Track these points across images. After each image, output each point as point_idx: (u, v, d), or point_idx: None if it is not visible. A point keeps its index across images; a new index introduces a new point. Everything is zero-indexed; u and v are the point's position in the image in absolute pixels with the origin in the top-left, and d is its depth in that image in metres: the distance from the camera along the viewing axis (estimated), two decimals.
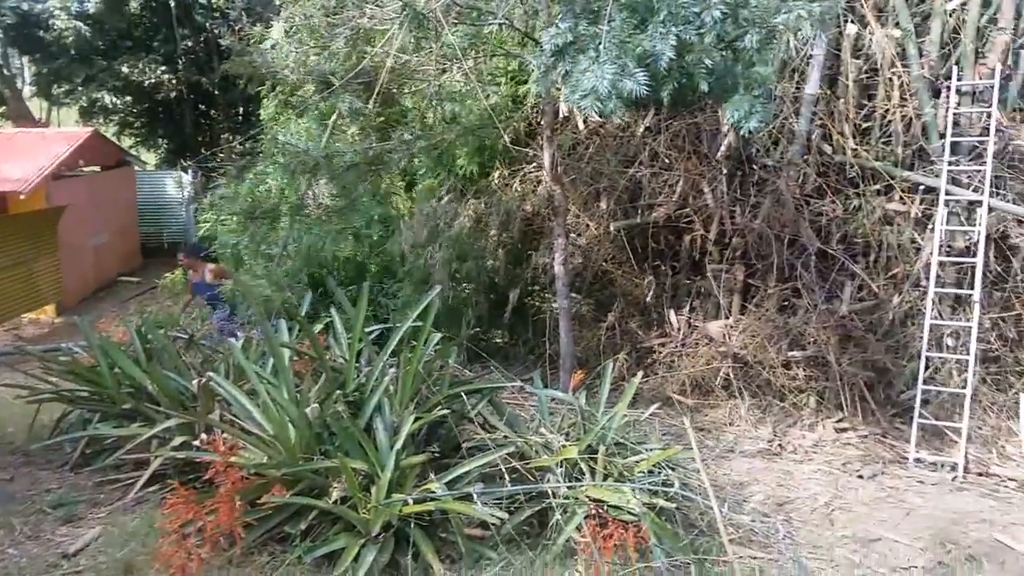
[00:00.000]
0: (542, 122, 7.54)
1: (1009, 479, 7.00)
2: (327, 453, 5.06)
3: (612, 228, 9.18)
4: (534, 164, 9.41)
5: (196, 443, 5.33)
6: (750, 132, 4.61)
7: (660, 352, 9.34)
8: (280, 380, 5.61)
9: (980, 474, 7.13)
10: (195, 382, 6.09)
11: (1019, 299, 8.33)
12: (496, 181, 9.40)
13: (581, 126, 9.69)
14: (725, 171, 8.64)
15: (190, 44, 22.33)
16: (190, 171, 19.80)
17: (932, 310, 7.93)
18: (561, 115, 9.68)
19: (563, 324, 8.16)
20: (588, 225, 9.34)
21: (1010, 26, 7.94)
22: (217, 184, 10.06)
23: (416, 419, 5.17)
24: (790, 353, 8.44)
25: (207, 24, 21.00)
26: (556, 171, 7.66)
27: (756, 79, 4.57)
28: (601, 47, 4.20)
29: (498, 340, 10.40)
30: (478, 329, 9.57)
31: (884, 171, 8.25)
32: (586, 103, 4.20)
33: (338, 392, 5.42)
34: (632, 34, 4.32)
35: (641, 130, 9.33)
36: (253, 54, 8.53)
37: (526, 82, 9.40)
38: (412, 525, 4.62)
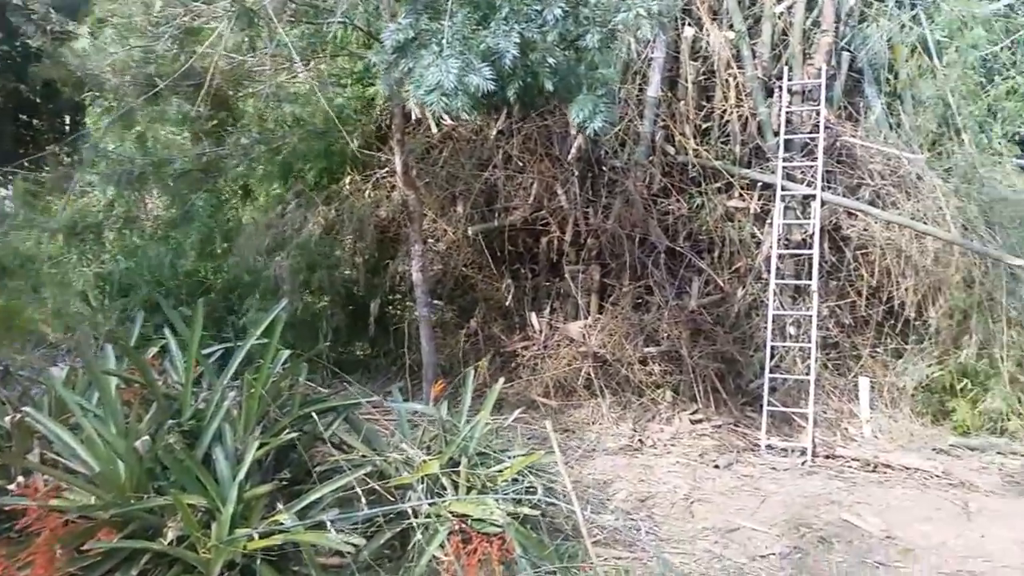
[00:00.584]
0: (392, 125, 7.28)
1: (852, 459, 7.41)
2: (160, 489, 4.58)
3: (470, 232, 9.04)
4: (387, 169, 9.13)
5: (11, 488, 4.70)
6: (596, 133, 4.58)
7: (523, 356, 9.28)
8: (106, 412, 5.05)
9: (827, 456, 7.51)
10: (8, 419, 5.39)
11: (853, 287, 8.90)
12: (347, 187, 9.03)
13: (434, 129, 9.50)
14: (576, 173, 8.71)
15: (6, 49, 20.30)
16: (9, 186, 17.97)
17: (774, 301, 8.31)
18: (413, 118, 9.47)
19: (424, 333, 7.94)
20: (446, 230, 9.17)
21: (832, 28, 8.47)
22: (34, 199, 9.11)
23: (261, 445, 4.78)
24: (646, 349, 8.61)
25: (22, 28, 19.14)
26: (409, 175, 7.43)
27: (599, 79, 4.54)
28: (444, 42, 4.02)
29: (360, 353, 10.04)
30: (335, 343, 9.17)
31: (723, 169, 8.59)
32: (431, 99, 4.01)
33: (172, 422, 4.94)
34: (475, 30, 4.18)
35: (494, 133, 9.26)
36: (67, 56, 7.75)
37: (374, 84, 9.10)
38: (259, 561, 4.25)
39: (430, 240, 9.09)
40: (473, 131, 9.32)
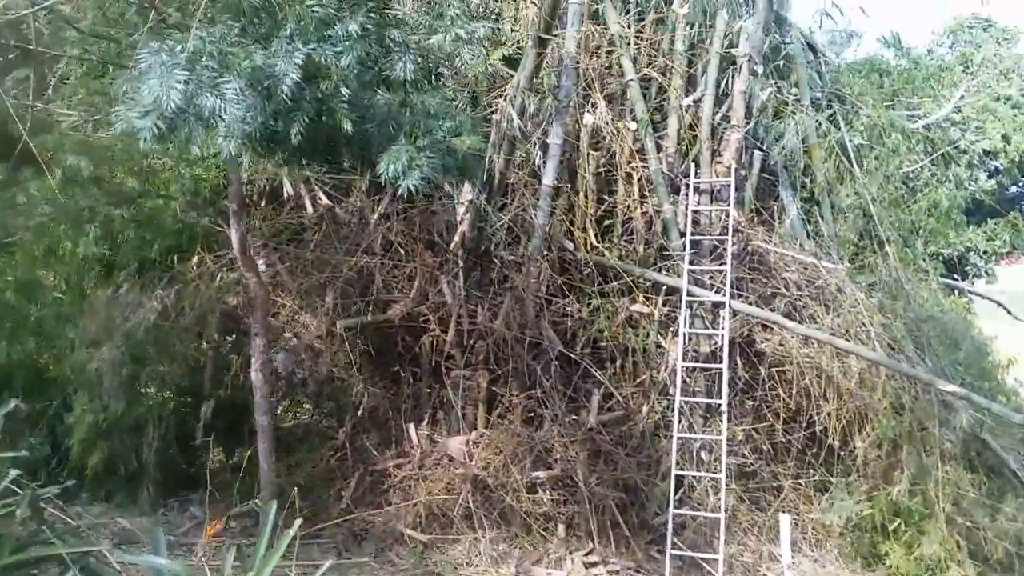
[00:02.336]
0: (229, 192, 6.18)
1: None
2: None
3: (337, 327, 7.82)
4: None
5: None
6: (411, 192, 3.54)
7: (396, 476, 7.93)
8: None
9: None
10: None
11: (770, 408, 7.89)
12: (194, 268, 7.80)
13: (310, 209, 8.43)
14: (461, 265, 7.66)
15: None
16: None
17: (680, 422, 7.23)
18: (285, 193, 8.43)
19: (262, 447, 6.64)
20: (308, 324, 7.93)
21: (742, 124, 7.81)
22: None
23: None
24: (535, 473, 7.36)
25: None
26: (247, 255, 6.27)
27: (421, 126, 3.55)
28: (185, 56, 2.98)
29: (216, 462, 8.56)
30: (185, 452, 7.73)
31: (625, 270, 7.66)
32: (143, 124, 2.92)
33: None
34: (240, 45, 3.16)
35: (375, 217, 8.21)
36: None
37: None
38: None
39: (289, 334, 7.82)
40: (352, 213, 8.26)
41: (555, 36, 7.06)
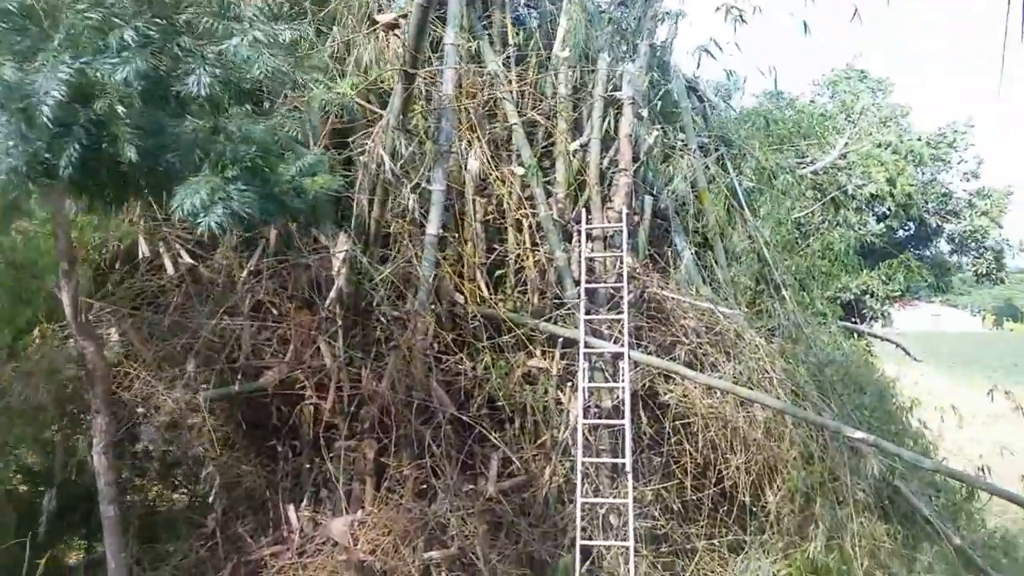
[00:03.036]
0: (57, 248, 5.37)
1: None
2: None
3: (200, 399, 6.97)
4: (96, 316, 7.06)
5: None
6: (216, 230, 2.93)
7: (273, 565, 7.04)
8: None
9: None
10: None
11: (678, 465, 7.45)
12: (36, 339, 6.86)
13: (170, 269, 7.60)
14: (340, 323, 6.99)
15: None
16: None
17: (584, 485, 6.69)
18: (142, 254, 7.59)
19: (108, 540, 5.72)
20: (167, 397, 7.03)
21: (630, 168, 7.54)
22: None
23: None
24: (428, 554, 6.63)
25: None
26: (82, 321, 5.44)
27: (227, 153, 2.97)
28: None
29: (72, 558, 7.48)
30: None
31: (518, 323, 7.17)
32: None
33: None
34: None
35: (244, 274, 7.45)
36: None
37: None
38: None
39: (143, 409, 6.91)
40: (217, 271, 7.49)
41: (424, 72, 6.62)
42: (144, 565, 7.05)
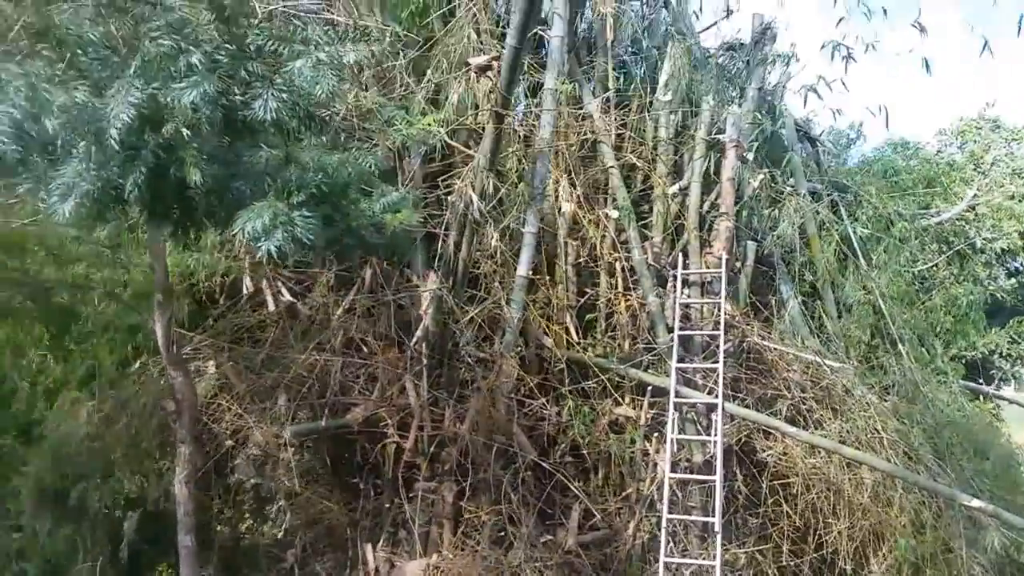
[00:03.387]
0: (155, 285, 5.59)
1: None
2: None
3: (287, 435, 7.06)
4: (194, 348, 7.34)
5: None
6: (274, 257, 2.91)
7: None
8: None
9: None
10: None
11: (776, 527, 6.94)
12: (137, 371, 7.17)
13: (271, 305, 7.84)
14: (425, 363, 6.96)
15: None
16: None
17: (667, 542, 6.30)
18: (246, 289, 7.88)
19: (183, 569, 5.81)
20: (262, 427, 7.16)
21: (732, 212, 7.22)
22: None
23: None
24: None
25: None
26: (172, 351, 5.64)
27: (292, 182, 2.96)
28: None
29: None
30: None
31: (607, 369, 6.92)
32: None
33: None
34: (62, 83, 2.63)
35: (339, 312, 7.58)
36: None
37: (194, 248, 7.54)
38: None
39: (232, 442, 7.05)
40: (315, 309, 7.65)
41: (521, 114, 6.60)
42: None
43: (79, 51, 2.71)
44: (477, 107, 6.70)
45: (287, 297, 7.86)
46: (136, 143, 2.66)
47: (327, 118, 3.07)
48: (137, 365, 7.22)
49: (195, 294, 7.78)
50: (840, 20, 6.50)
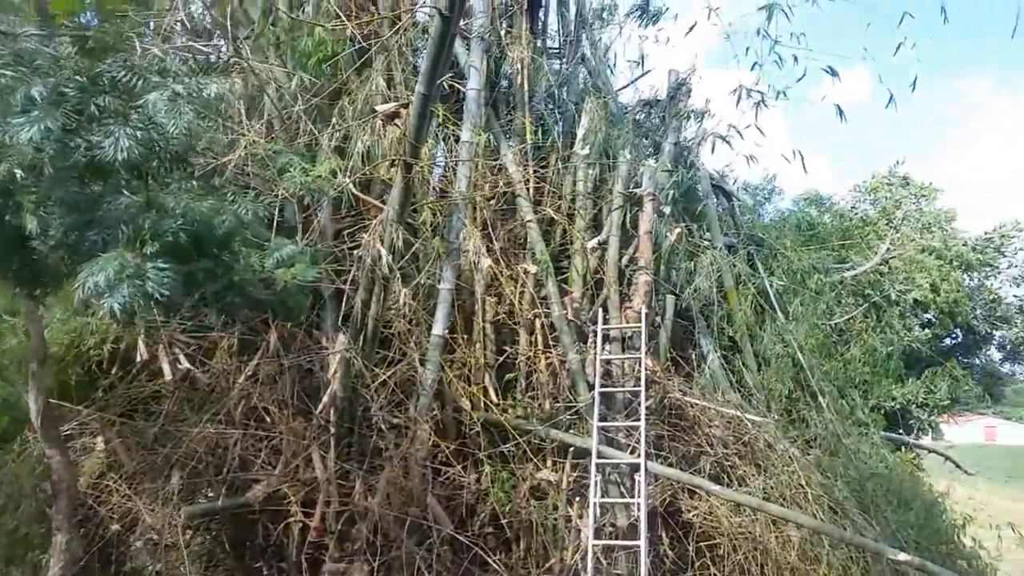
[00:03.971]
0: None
1: None
2: None
3: (181, 515, 6.46)
4: (77, 423, 6.71)
5: None
6: (115, 314, 2.55)
7: None
8: None
9: None
10: None
11: None
12: (18, 446, 6.50)
13: (168, 373, 7.27)
14: (333, 432, 6.51)
15: None
16: None
17: None
18: (140, 357, 7.29)
19: None
20: (152, 509, 6.54)
21: (650, 266, 7.12)
22: None
23: None
24: None
25: None
26: (48, 427, 5.08)
27: (146, 230, 2.62)
28: None
29: None
30: None
31: (527, 431, 6.61)
32: None
33: None
34: None
35: (241, 379, 7.08)
36: None
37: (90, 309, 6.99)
38: None
39: (124, 526, 6.40)
40: (215, 376, 7.13)
41: (433, 166, 6.38)
42: None
43: None
44: (385, 157, 6.47)
45: (184, 364, 7.32)
46: None
47: (197, 161, 2.75)
48: (17, 442, 6.55)
49: (84, 362, 7.18)
50: (754, 65, 6.55)
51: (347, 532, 6.57)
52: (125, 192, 2.68)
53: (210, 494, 6.69)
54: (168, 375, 7.30)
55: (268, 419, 6.88)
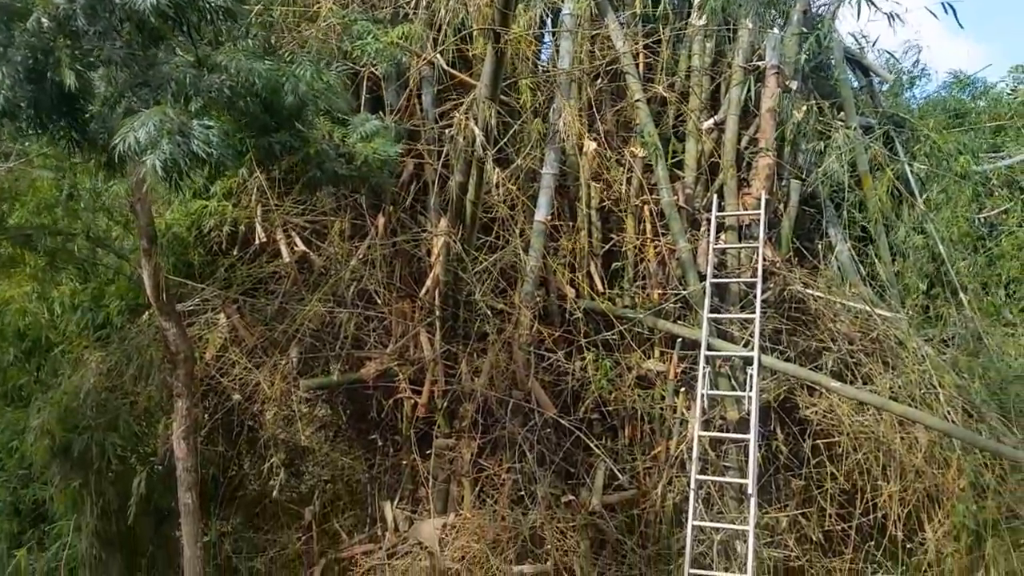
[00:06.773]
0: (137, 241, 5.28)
1: None
2: None
3: (301, 388, 6.78)
4: (201, 300, 7.06)
5: None
6: (161, 172, 2.47)
7: (363, 565, 6.75)
8: None
9: None
10: None
11: (820, 490, 6.41)
12: (146, 323, 6.93)
13: (285, 255, 7.50)
14: (438, 314, 6.56)
15: None
16: None
17: (696, 504, 5.84)
18: (257, 240, 7.54)
19: (186, 530, 5.58)
20: (271, 383, 6.88)
21: (773, 148, 6.56)
22: None
23: None
24: (518, 568, 6.05)
25: None
26: (162, 300, 5.33)
27: (188, 86, 2.50)
28: None
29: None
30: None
31: (633, 320, 6.41)
32: None
33: None
34: None
35: (353, 261, 7.20)
36: None
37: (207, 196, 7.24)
38: None
39: (240, 396, 6.77)
40: (331, 260, 7.29)
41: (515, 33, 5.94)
42: (243, 554, 6.99)
43: None
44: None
45: (300, 247, 7.52)
46: (2, 40, 2.25)
47: (247, 19, 2.59)
48: (146, 316, 7.00)
49: (206, 243, 7.52)
50: None
51: (454, 410, 6.73)
52: (178, 52, 2.59)
53: (328, 369, 6.94)
54: (286, 257, 7.55)
55: (378, 300, 7.02)
